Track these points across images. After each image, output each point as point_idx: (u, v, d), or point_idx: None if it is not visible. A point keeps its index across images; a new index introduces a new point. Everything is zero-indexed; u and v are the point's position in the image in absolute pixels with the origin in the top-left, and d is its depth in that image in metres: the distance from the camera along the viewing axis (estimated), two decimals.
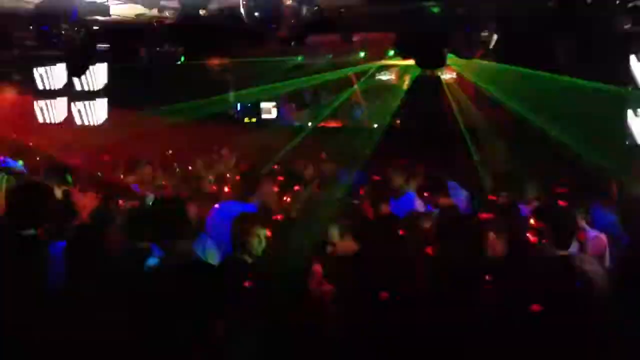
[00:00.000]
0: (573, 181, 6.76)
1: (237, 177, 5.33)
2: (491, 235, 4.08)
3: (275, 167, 7.99)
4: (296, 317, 2.79)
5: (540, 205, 4.53)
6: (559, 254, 3.61)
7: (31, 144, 9.10)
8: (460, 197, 6.39)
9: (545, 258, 3.60)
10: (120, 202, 5.08)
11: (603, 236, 4.95)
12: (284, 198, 5.30)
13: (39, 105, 12.47)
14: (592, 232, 4.88)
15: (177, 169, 8.35)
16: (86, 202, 4.58)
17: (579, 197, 5.27)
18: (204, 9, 5.76)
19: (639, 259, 3.75)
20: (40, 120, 12.07)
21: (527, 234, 3.73)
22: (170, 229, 3.35)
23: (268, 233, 3.72)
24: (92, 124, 12.50)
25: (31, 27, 5.76)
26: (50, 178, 5.43)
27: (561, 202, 4.66)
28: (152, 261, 3.76)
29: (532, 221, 3.74)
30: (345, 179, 7.18)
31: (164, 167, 7.62)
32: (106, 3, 6.10)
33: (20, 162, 6.71)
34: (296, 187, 5.25)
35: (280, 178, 6.25)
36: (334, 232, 4.22)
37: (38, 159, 7.52)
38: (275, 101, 12.79)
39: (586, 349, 3.08)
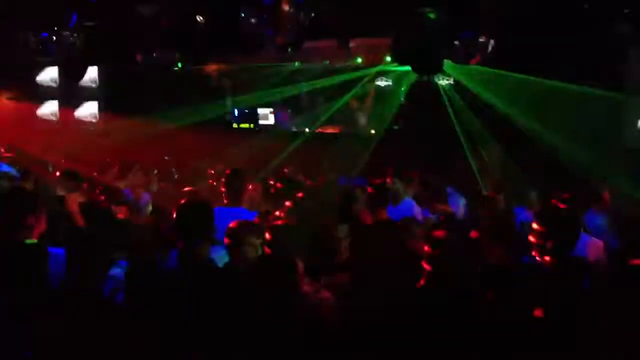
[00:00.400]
0: (568, 186, 6.77)
1: (222, 183, 5.29)
2: (489, 240, 4.09)
3: (274, 175, 7.97)
4: (294, 320, 2.78)
5: (543, 209, 4.50)
6: (574, 257, 3.59)
7: (23, 148, 9.05)
8: (457, 203, 6.38)
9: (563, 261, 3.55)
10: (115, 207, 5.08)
11: (599, 241, 4.94)
12: (284, 205, 5.27)
13: (32, 109, 12.45)
14: (588, 237, 4.87)
15: (176, 175, 8.32)
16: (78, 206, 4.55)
17: (574, 201, 5.26)
18: (201, 15, 5.76)
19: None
20: (33, 123, 12.06)
21: (530, 238, 3.69)
22: (201, 232, 3.37)
23: (267, 235, 3.71)
24: (84, 127, 12.49)
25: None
26: (63, 185, 5.44)
27: (562, 206, 4.63)
28: (115, 272, 3.77)
29: (534, 225, 3.71)
30: (344, 185, 7.16)
31: (159, 172, 7.58)
32: None
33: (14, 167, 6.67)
34: (298, 195, 5.21)
35: (279, 185, 6.23)
36: (343, 230, 4.32)
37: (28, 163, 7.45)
38: (273, 107, 12.79)
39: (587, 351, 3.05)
